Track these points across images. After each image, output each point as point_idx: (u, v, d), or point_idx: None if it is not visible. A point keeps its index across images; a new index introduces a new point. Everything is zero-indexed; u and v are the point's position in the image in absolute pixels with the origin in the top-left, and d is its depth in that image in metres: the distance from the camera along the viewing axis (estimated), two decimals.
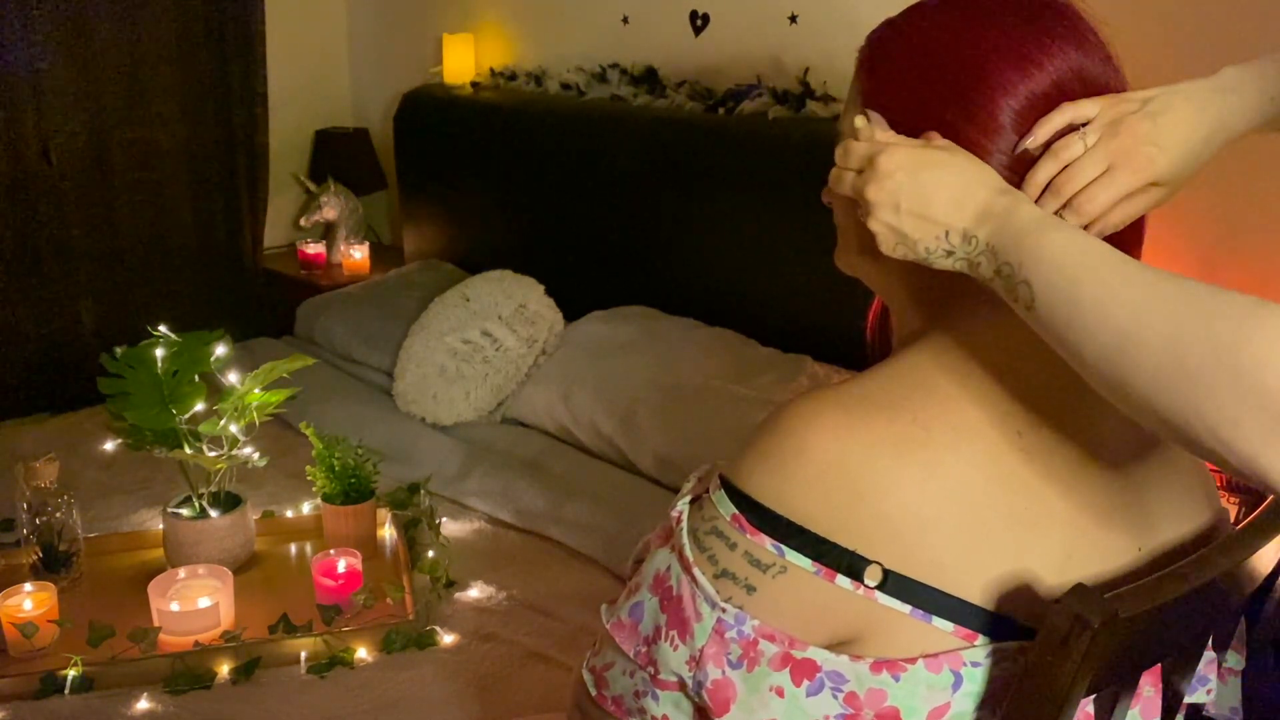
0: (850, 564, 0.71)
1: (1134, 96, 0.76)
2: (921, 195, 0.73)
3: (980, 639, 0.72)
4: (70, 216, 2.94)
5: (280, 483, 2.05)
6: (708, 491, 0.78)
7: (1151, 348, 0.61)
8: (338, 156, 3.36)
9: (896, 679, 0.71)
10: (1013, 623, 0.73)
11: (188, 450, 1.71)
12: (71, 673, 1.48)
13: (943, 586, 0.71)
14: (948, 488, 0.72)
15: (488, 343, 2.36)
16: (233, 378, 1.77)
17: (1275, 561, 0.84)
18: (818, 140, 2.08)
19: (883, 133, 0.77)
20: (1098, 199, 0.74)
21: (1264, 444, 0.58)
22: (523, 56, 2.98)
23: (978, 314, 0.78)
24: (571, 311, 2.48)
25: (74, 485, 1.80)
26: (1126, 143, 0.74)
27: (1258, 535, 0.79)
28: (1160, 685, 0.80)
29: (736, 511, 0.74)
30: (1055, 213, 0.75)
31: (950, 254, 0.73)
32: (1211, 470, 0.85)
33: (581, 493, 1.99)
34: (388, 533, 1.91)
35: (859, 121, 0.79)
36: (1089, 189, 0.74)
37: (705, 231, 2.39)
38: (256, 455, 1.76)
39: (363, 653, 1.57)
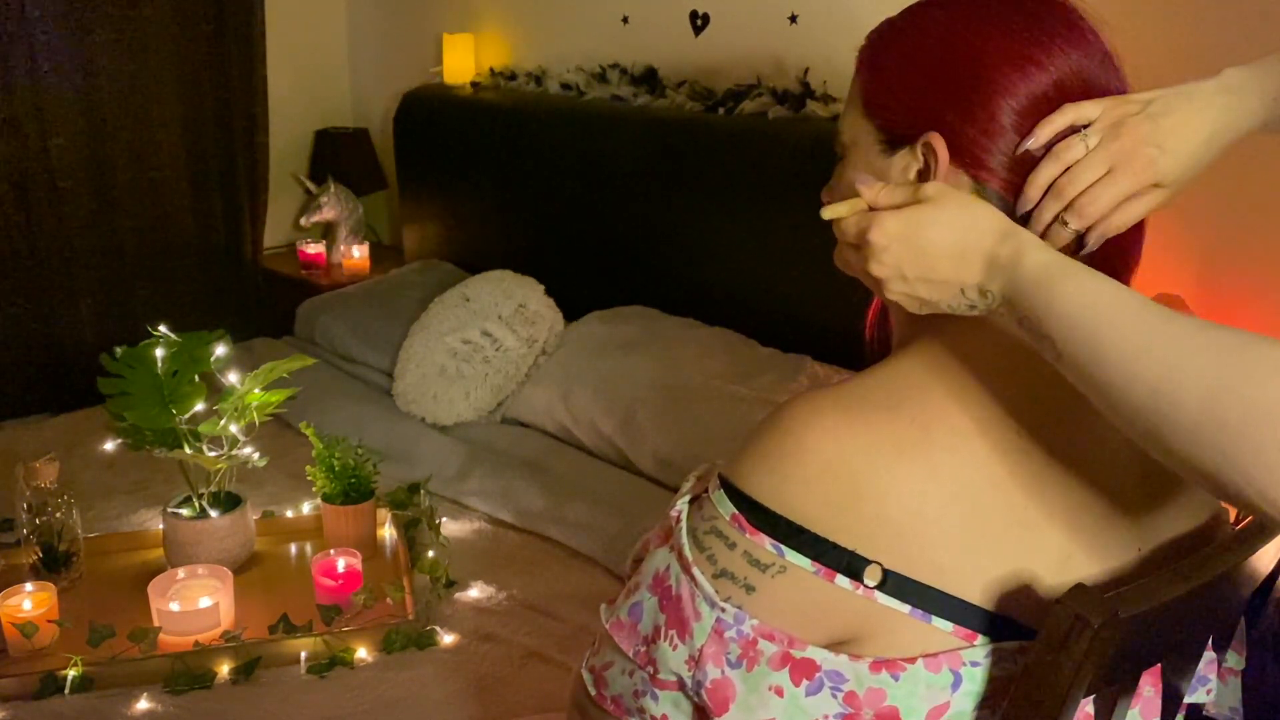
0: (850, 564, 0.71)
1: (1136, 98, 0.76)
2: (923, 261, 0.71)
3: (980, 639, 0.72)
4: (70, 216, 2.94)
5: (280, 483, 2.05)
6: (707, 491, 0.78)
7: (1186, 407, 0.60)
8: (338, 156, 3.36)
9: (896, 678, 0.71)
10: (1012, 623, 0.73)
11: (188, 450, 1.71)
12: (71, 673, 1.48)
13: (942, 586, 0.71)
14: (947, 488, 0.72)
15: (488, 343, 2.36)
16: (233, 378, 1.76)
17: (1275, 561, 0.84)
18: (818, 140, 2.08)
19: (870, 192, 0.75)
20: (1099, 201, 0.74)
21: None
22: (523, 56, 2.98)
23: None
24: (571, 311, 2.48)
25: (74, 485, 1.80)
26: (1128, 144, 0.74)
27: (1258, 535, 0.79)
28: (1160, 685, 0.80)
29: (736, 511, 0.74)
30: (1058, 215, 0.75)
31: (973, 307, 0.72)
32: None
33: (581, 493, 1.99)
34: (388, 533, 1.91)
35: (827, 212, 0.76)
36: (1090, 191, 0.74)
37: (705, 231, 2.39)
38: (256, 455, 1.76)
39: (363, 653, 1.57)
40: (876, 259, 0.73)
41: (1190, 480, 0.64)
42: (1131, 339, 0.62)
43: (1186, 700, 0.83)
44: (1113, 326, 0.63)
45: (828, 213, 0.76)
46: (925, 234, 0.71)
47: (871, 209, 0.75)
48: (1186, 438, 0.60)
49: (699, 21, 2.51)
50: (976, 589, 0.72)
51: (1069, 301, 0.65)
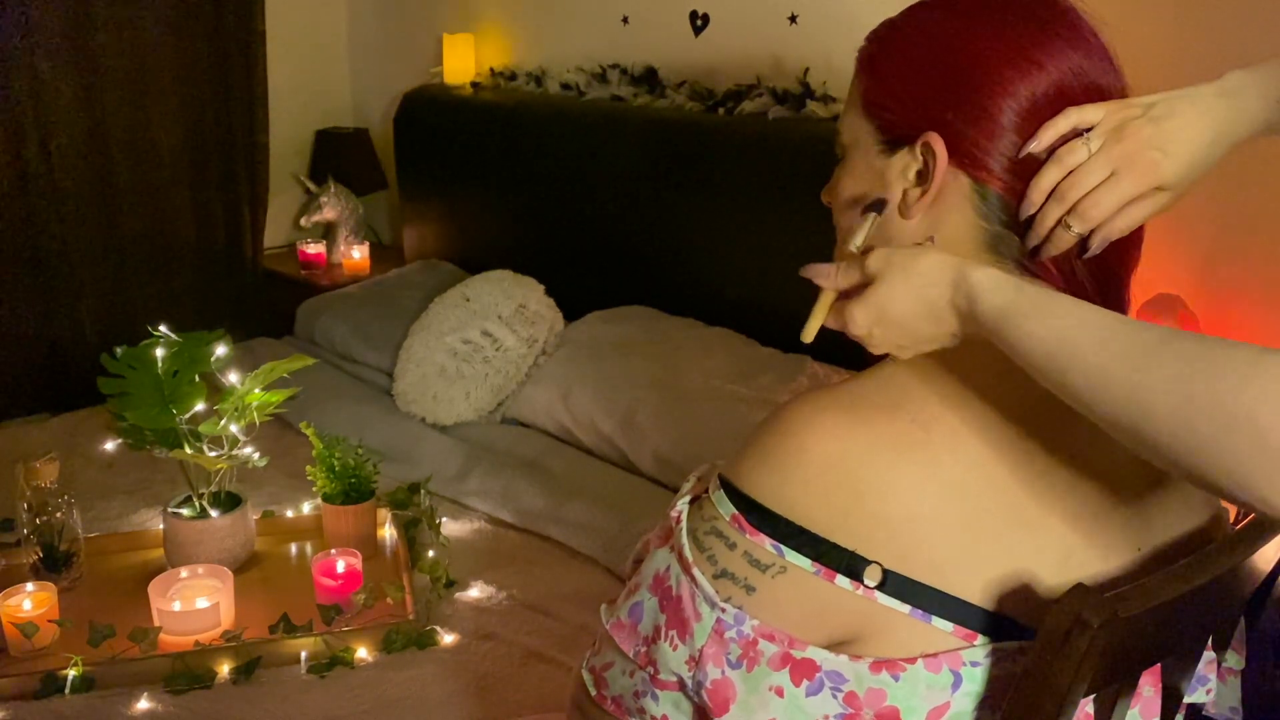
0: (850, 564, 0.71)
1: (1138, 102, 0.76)
2: (905, 332, 0.73)
3: (980, 639, 0.72)
4: (70, 216, 2.94)
5: (280, 483, 2.05)
6: (707, 491, 0.78)
7: (1158, 420, 0.61)
8: (338, 156, 3.36)
9: (896, 679, 0.71)
10: (1012, 623, 0.73)
11: (188, 450, 1.71)
12: (71, 673, 1.48)
13: (942, 586, 0.71)
14: (947, 488, 0.72)
15: (488, 343, 2.36)
16: (233, 378, 1.77)
17: (1275, 561, 0.84)
18: (818, 140, 2.08)
19: (827, 282, 0.77)
20: (1102, 204, 0.74)
21: None
22: (523, 56, 2.98)
23: None
24: (571, 311, 2.48)
25: (74, 485, 1.80)
26: (1130, 148, 0.74)
27: (1258, 535, 0.79)
28: (1160, 685, 0.80)
29: (736, 511, 0.74)
30: (1061, 219, 0.75)
31: (959, 335, 0.73)
32: None
33: (581, 493, 1.99)
34: (388, 533, 1.91)
35: (808, 336, 0.77)
36: (1093, 194, 0.74)
37: (705, 231, 2.39)
38: (256, 455, 1.76)
39: (363, 653, 1.57)
40: (868, 344, 0.75)
41: (1182, 479, 0.64)
42: (1093, 367, 0.63)
43: (1186, 700, 0.83)
44: (1071, 359, 0.64)
45: (808, 337, 0.78)
46: (892, 311, 0.72)
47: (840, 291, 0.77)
48: (1167, 447, 0.61)
49: (699, 21, 2.51)
50: (976, 589, 0.72)
51: (1024, 342, 0.66)
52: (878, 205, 0.78)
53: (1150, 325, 0.64)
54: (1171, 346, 0.62)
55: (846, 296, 0.76)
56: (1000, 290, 0.68)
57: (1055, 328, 0.65)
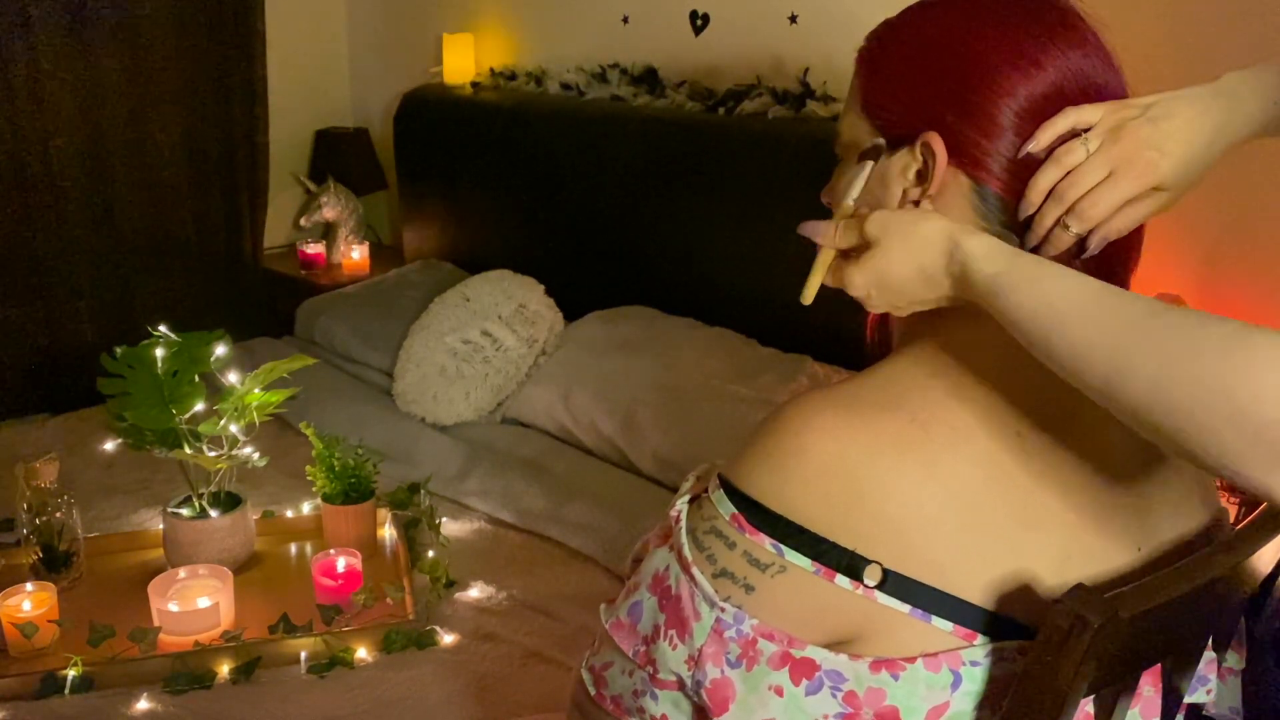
0: (849, 563, 0.71)
1: (1136, 102, 0.76)
2: (901, 293, 0.75)
3: (980, 638, 0.72)
4: (70, 216, 2.94)
5: (280, 483, 2.05)
6: (707, 491, 0.78)
7: (1136, 394, 0.62)
8: (338, 156, 3.36)
9: (896, 678, 0.71)
10: (1012, 622, 0.73)
11: (188, 450, 1.72)
12: (71, 673, 1.48)
13: (942, 586, 0.71)
14: (947, 487, 0.72)
15: (488, 343, 2.36)
16: (233, 378, 1.77)
17: (1275, 561, 0.84)
18: (818, 140, 2.08)
19: (826, 240, 0.78)
20: (1100, 204, 0.74)
21: (1272, 471, 0.58)
22: (523, 56, 2.98)
23: (976, 315, 0.78)
24: (571, 311, 2.48)
25: (74, 485, 1.80)
26: (1128, 148, 0.74)
27: (1258, 535, 0.79)
28: (1160, 685, 0.80)
29: (735, 511, 0.74)
30: (1059, 219, 0.75)
31: (954, 299, 0.74)
32: None
33: (581, 493, 1.99)
34: (388, 533, 1.91)
35: (807, 297, 0.79)
36: (1091, 194, 0.74)
37: (705, 231, 2.39)
38: (256, 455, 1.77)
39: (363, 653, 1.57)
40: (866, 304, 0.77)
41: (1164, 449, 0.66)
42: (1078, 337, 0.65)
43: (1186, 700, 0.83)
44: (1060, 326, 0.65)
45: (807, 298, 0.80)
46: (890, 274, 0.74)
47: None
48: (1144, 418, 0.62)
49: (699, 21, 2.51)
50: (976, 588, 0.72)
51: (1013, 310, 0.68)
52: (873, 152, 0.79)
53: (1138, 297, 0.65)
54: (1156, 319, 0.63)
55: (845, 256, 0.77)
56: (993, 259, 0.69)
57: (1043, 296, 0.67)
